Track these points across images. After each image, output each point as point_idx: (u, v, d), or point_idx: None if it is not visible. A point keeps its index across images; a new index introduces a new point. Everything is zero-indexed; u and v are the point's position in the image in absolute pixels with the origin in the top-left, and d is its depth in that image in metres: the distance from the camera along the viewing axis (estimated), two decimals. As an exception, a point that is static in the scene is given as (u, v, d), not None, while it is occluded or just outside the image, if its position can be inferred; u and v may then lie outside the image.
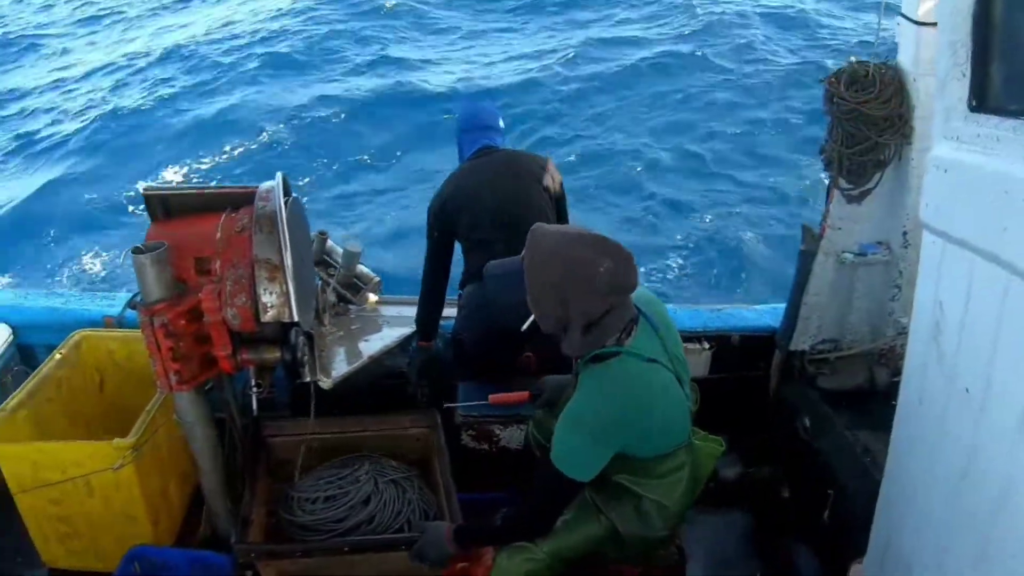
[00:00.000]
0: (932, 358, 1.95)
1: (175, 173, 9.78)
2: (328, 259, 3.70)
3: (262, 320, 2.46)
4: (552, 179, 3.35)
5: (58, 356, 3.11)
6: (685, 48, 12.91)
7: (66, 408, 3.08)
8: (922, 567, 2.06)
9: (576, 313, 2.07)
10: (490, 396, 3.06)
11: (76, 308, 3.65)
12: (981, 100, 1.73)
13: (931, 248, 1.96)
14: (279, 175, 2.71)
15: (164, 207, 2.75)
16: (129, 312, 3.48)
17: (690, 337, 3.63)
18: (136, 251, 2.45)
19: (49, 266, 8.13)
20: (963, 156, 1.79)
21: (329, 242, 3.71)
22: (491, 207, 3.23)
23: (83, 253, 8.29)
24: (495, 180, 3.29)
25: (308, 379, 2.83)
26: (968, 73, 1.75)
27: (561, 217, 3.42)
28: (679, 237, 8.31)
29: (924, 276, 2.02)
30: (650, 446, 2.26)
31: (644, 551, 2.45)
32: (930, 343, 1.95)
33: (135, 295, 2.56)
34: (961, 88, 1.78)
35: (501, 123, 3.51)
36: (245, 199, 2.65)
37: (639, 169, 9.65)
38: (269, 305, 2.45)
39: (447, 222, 3.29)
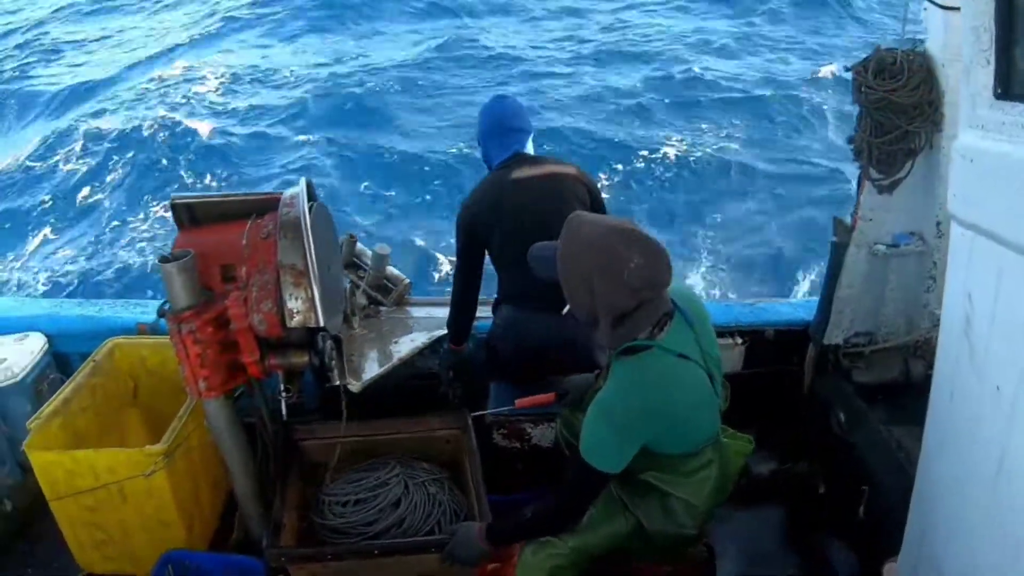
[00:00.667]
0: (963, 353, 1.89)
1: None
2: (357, 261, 3.71)
3: (288, 325, 2.47)
4: (586, 189, 3.19)
5: (92, 364, 3.15)
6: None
7: (100, 415, 3.12)
8: (952, 569, 2.01)
9: (605, 306, 2.08)
10: (516, 400, 3.06)
11: (110, 316, 3.69)
12: (1006, 87, 1.67)
13: (960, 239, 1.90)
14: (303, 181, 2.72)
15: (191, 215, 2.78)
16: (162, 320, 3.53)
17: (723, 332, 3.58)
18: (163, 260, 2.48)
19: (83, 272, 8.29)
20: (989, 145, 1.72)
21: (358, 245, 3.73)
22: (523, 226, 3.02)
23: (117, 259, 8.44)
24: (528, 196, 3.09)
25: (337, 383, 2.83)
26: (992, 60, 1.69)
27: None
28: (713, 232, 8.26)
29: (953, 268, 1.96)
30: (677, 442, 2.25)
31: (671, 548, 2.43)
32: (961, 338, 1.90)
33: (164, 303, 2.58)
34: (986, 75, 1.72)
35: (530, 123, 3.29)
36: (270, 206, 2.66)
37: (670, 160, 9.61)
38: (295, 311, 2.46)
39: (476, 236, 3.17)
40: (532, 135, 3.30)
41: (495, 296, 3.39)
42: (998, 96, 1.70)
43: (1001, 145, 1.67)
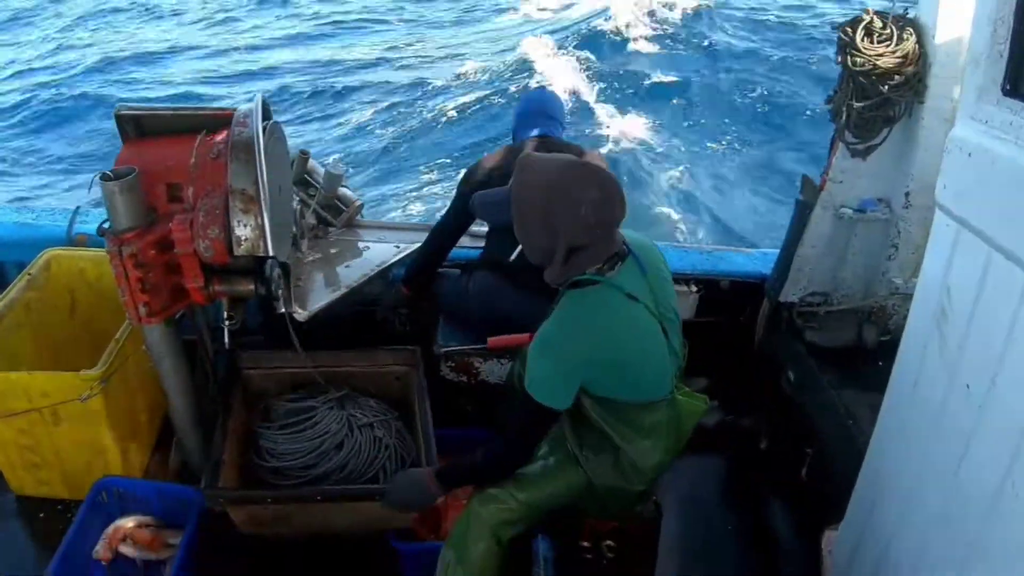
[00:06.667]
0: (933, 344, 1.85)
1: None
2: (309, 179, 3.54)
3: (236, 253, 2.36)
4: None
5: (27, 277, 3.00)
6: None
7: (35, 332, 2.99)
8: (901, 548, 2.01)
9: (560, 240, 2.06)
10: (489, 340, 3.01)
11: (47, 224, 3.52)
12: (1015, 84, 1.59)
13: (943, 230, 1.83)
14: (258, 96, 2.57)
15: (137, 127, 2.62)
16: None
17: (678, 279, 3.55)
18: (105, 177, 2.33)
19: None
20: (991, 143, 1.63)
21: (311, 162, 3.56)
22: None
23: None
24: None
25: (282, 310, 2.73)
26: (1006, 54, 1.60)
27: None
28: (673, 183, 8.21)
29: (933, 257, 1.90)
30: (623, 386, 2.20)
31: (621, 505, 2.41)
32: (932, 328, 1.85)
33: (104, 221, 2.43)
34: (996, 69, 1.63)
35: (564, 116, 3.32)
36: (221, 122, 2.51)
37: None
38: (243, 238, 2.34)
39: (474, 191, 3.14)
40: (564, 128, 3.29)
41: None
42: (1006, 92, 1.62)
43: (1005, 146, 1.58)
